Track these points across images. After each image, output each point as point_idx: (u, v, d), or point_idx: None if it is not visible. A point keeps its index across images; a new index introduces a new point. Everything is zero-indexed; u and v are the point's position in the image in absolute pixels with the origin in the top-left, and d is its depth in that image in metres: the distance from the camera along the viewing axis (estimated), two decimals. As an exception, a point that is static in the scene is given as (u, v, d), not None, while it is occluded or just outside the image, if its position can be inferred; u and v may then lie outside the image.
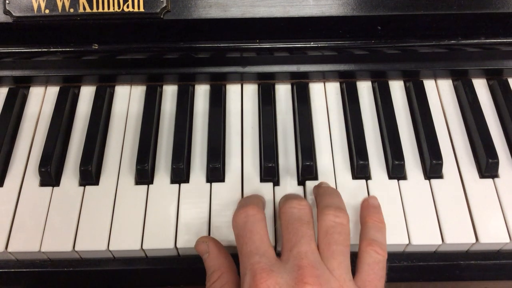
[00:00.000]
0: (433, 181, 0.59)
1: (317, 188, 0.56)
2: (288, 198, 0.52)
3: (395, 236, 0.55)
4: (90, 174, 0.59)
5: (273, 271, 0.45)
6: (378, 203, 0.56)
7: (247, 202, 0.52)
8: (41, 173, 0.59)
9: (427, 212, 0.57)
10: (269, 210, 0.57)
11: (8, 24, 0.62)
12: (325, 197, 0.52)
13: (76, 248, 0.55)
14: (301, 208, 0.50)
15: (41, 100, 0.68)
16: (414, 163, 0.61)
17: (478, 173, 0.60)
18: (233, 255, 0.54)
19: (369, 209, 0.54)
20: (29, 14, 0.61)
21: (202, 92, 0.68)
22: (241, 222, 0.49)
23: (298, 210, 0.50)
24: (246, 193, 0.59)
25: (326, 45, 0.63)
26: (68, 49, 0.63)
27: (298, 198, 0.51)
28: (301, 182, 0.60)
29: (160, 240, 0.56)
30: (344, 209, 0.51)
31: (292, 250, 0.47)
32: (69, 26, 0.62)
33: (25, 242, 0.56)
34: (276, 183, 0.60)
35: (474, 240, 0.55)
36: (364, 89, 0.68)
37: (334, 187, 0.59)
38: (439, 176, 0.60)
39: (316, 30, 0.63)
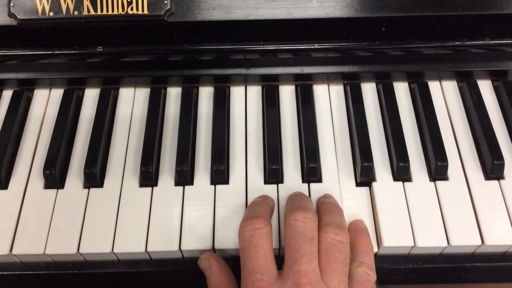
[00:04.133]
0: (438, 183, 0.59)
1: (320, 202, 0.56)
2: (294, 207, 0.52)
3: (400, 238, 0.55)
4: (94, 177, 0.59)
5: None
6: (365, 226, 0.56)
7: (255, 213, 0.52)
8: (45, 175, 0.59)
9: (432, 214, 0.57)
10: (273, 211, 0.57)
11: (13, 27, 0.62)
12: (327, 215, 0.53)
13: (81, 251, 0.55)
14: (306, 222, 0.50)
15: (45, 103, 0.68)
16: (419, 165, 0.61)
17: (484, 174, 0.60)
18: (237, 257, 0.54)
19: (357, 232, 0.55)
20: (33, 17, 0.61)
21: (206, 94, 0.68)
22: (247, 235, 0.50)
23: (302, 224, 0.50)
24: (250, 195, 0.59)
25: (330, 46, 0.63)
26: (72, 52, 0.63)
27: (304, 210, 0.51)
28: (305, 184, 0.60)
29: (164, 243, 0.56)
30: (344, 227, 0.52)
31: (292, 267, 0.48)
32: (73, 29, 0.63)
33: (30, 245, 0.56)
34: (280, 183, 0.60)
35: (479, 242, 0.55)
36: (368, 90, 0.68)
37: (338, 189, 0.59)
38: (444, 178, 0.59)
39: (320, 32, 0.63)
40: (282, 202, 0.58)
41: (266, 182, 0.60)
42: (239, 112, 0.66)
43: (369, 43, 0.63)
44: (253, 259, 0.48)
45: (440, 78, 0.68)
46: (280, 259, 0.51)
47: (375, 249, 0.55)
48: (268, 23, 0.62)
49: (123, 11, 0.61)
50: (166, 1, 0.61)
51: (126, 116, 0.66)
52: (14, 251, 0.56)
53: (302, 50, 0.64)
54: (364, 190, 0.59)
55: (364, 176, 0.59)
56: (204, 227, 0.56)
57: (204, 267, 0.53)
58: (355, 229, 0.55)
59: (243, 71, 0.67)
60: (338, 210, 0.54)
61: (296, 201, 0.54)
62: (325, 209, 0.54)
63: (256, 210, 0.54)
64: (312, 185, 0.59)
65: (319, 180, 0.60)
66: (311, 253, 0.48)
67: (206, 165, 0.61)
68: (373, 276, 0.51)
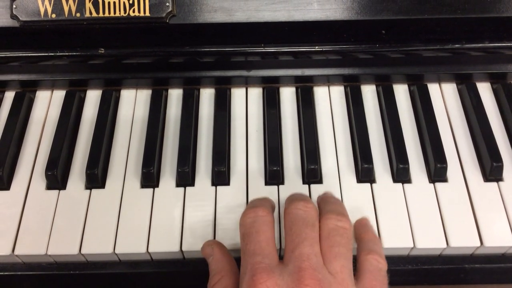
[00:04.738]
0: (438, 184, 0.59)
1: (320, 197, 0.56)
2: (294, 199, 0.51)
3: (400, 240, 0.55)
4: (96, 178, 0.59)
5: (273, 272, 0.44)
6: (370, 223, 0.56)
7: (257, 203, 0.51)
8: (47, 176, 0.60)
9: (431, 216, 0.57)
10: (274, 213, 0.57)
11: (15, 29, 0.62)
12: (328, 204, 0.52)
13: (82, 251, 0.56)
14: (307, 210, 0.49)
15: (47, 104, 0.68)
16: (419, 167, 0.61)
17: (483, 176, 0.60)
18: (238, 258, 0.54)
19: (362, 227, 0.54)
20: (35, 19, 0.62)
21: (207, 96, 0.68)
22: (249, 222, 0.49)
23: (303, 211, 0.49)
24: (251, 197, 0.59)
25: (331, 49, 0.64)
26: (74, 54, 0.63)
27: (305, 200, 0.50)
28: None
29: (165, 243, 0.56)
30: (346, 215, 0.50)
31: (294, 251, 0.46)
32: (75, 31, 0.63)
33: (32, 245, 0.56)
34: (281, 185, 0.60)
35: (478, 244, 0.55)
36: (369, 92, 0.68)
37: (339, 190, 0.59)
38: (444, 179, 0.60)
39: (320, 34, 0.63)
40: (283, 203, 0.58)
41: (267, 183, 0.60)
42: (240, 114, 0.66)
43: (369, 46, 0.63)
44: (254, 243, 0.47)
45: (439, 80, 0.69)
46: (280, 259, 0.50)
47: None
48: (269, 26, 0.62)
49: (125, 13, 0.62)
50: (167, 3, 0.62)
51: (127, 118, 0.66)
52: (16, 252, 0.56)
53: (303, 53, 0.64)
54: (365, 191, 0.60)
55: (364, 178, 0.60)
56: (205, 228, 0.57)
57: (206, 254, 0.53)
58: (360, 225, 0.55)
59: (244, 73, 0.67)
60: (339, 202, 0.54)
61: (295, 195, 0.53)
62: (325, 201, 0.53)
63: (258, 202, 0.53)
64: (313, 186, 0.60)
65: (319, 181, 0.60)
66: (313, 238, 0.47)
67: (207, 167, 0.61)
68: (384, 264, 0.49)
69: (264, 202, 0.53)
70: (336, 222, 0.48)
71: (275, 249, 0.47)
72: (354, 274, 0.48)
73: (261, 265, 0.45)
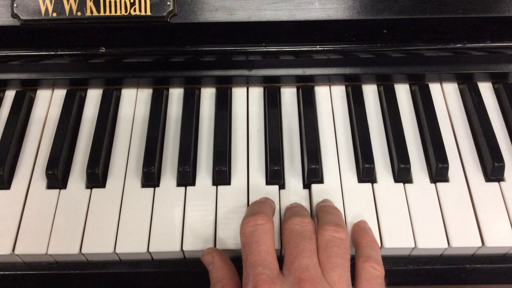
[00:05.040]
0: (439, 184, 0.59)
1: (319, 206, 0.57)
2: (291, 214, 0.53)
3: (401, 240, 0.55)
4: (97, 177, 0.59)
5: (275, 284, 0.46)
6: (368, 226, 0.56)
7: (257, 210, 0.52)
8: (48, 176, 0.59)
9: (433, 216, 0.57)
10: (275, 213, 0.57)
11: (16, 27, 0.62)
12: (326, 215, 0.53)
13: (83, 251, 0.55)
14: (304, 225, 0.51)
15: (48, 103, 0.68)
16: (420, 167, 0.61)
17: (484, 176, 0.60)
18: (238, 258, 0.54)
19: (360, 231, 0.55)
20: (36, 18, 0.62)
21: (208, 95, 0.68)
22: (249, 231, 0.50)
23: (300, 226, 0.51)
24: (251, 196, 0.59)
25: (332, 48, 0.64)
26: (75, 53, 0.63)
27: (302, 215, 0.52)
28: (306, 185, 0.60)
29: (166, 243, 0.56)
30: (343, 226, 0.52)
31: (293, 263, 0.48)
32: (76, 30, 0.63)
33: (32, 245, 0.56)
34: (282, 186, 0.60)
35: (480, 244, 0.55)
36: (370, 92, 0.68)
37: (340, 190, 0.59)
38: (445, 179, 0.60)
39: (322, 34, 0.63)
40: (283, 203, 0.58)
41: (268, 183, 0.60)
42: (241, 113, 0.66)
43: (370, 45, 0.63)
44: (255, 253, 0.48)
45: (441, 80, 0.69)
46: (280, 260, 0.50)
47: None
48: (270, 25, 0.62)
49: (126, 12, 0.62)
50: (168, 3, 0.61)
51: (128, 117, 0.66)
52: (17, 251, 0.56)
53: (304, 52, 0.64)
54: (366, 191, 0.59)
55: (365, 177, 0.60)
56: (206, 228, 0.57)
57: (206, 262, 0.53)
58: (358, 229, 0.55)
59: (245, 72, 0.67)
60: (337, 212, 0.55)
61: (293, 210, 0.54)
62: (323, 211, 0.54)
63: (257, 207, 0.54)
64: (314, 186, 0.59)
65: (320, 181, 0.60)
66: (310, 249, 0.49)
67: (208, 166, 0.61)
68: (380, 271, 0.50)
69: (263, 207, 0.54)
70: (333, 234, 0.50)
71: (275, 259, 0.49)
72: (353, 282, 0.49)
73: (263, 276, 0.46)
